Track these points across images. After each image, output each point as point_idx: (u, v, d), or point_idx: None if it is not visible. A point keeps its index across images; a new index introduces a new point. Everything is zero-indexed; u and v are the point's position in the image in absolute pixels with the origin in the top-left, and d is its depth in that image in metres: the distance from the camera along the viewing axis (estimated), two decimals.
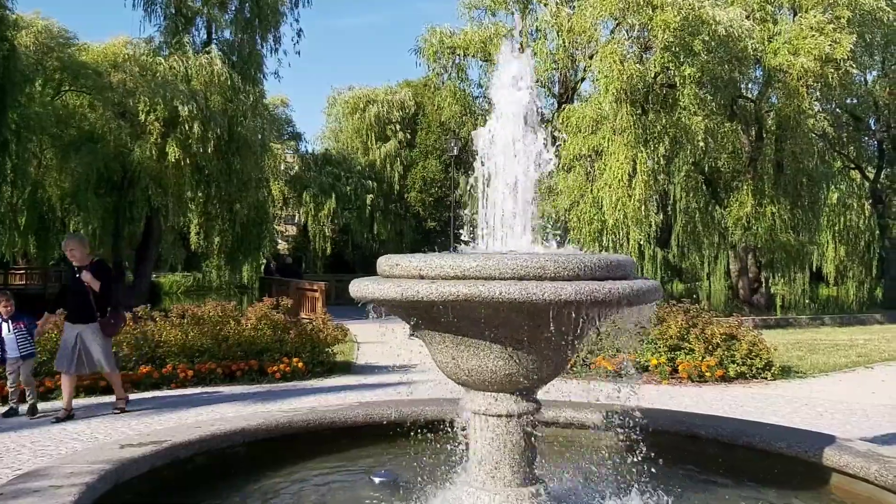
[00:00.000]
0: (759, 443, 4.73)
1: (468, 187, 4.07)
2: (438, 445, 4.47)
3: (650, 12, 18.08)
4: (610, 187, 18.28)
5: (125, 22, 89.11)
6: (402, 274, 3.46)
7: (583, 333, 3.63)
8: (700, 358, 9.55)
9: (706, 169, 21.72)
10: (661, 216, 19.95)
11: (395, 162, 36.61)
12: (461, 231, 4.32)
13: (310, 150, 40.15)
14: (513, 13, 21.80)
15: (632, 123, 18.12)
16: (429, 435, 4.58)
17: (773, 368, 9.85)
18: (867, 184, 26.88)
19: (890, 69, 25.27)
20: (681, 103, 18.50)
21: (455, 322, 3.44)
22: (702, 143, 18.71)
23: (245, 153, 23.31)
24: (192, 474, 4.51)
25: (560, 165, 19.10)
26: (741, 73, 19.87)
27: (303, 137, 41.77)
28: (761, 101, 21.31)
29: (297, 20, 26.25)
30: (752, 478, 4.51)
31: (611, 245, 18.70)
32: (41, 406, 7.47)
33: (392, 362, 10.57)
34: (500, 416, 3.66)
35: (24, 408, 7.33)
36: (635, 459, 4.31)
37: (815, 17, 19.27)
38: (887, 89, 24.98)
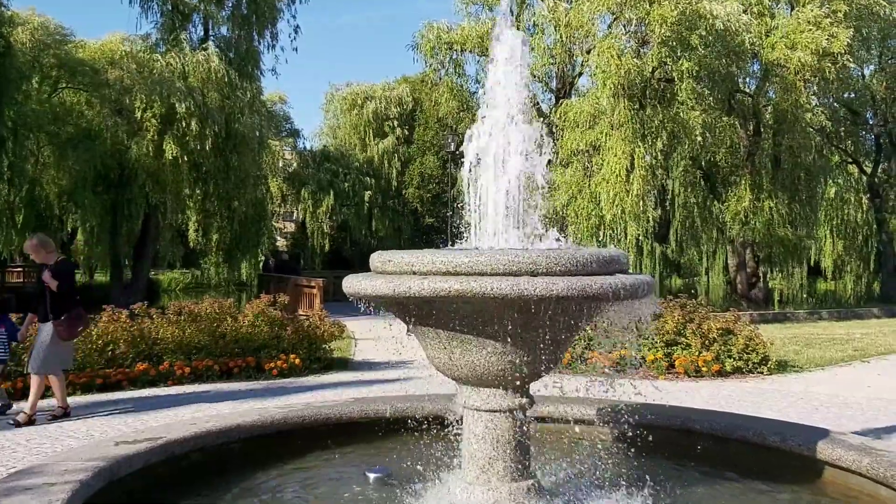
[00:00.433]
0: (754, 437, 4.74)
1: (465, 179, 4.03)
2: (433, 441, 4.49)
3: (647, 7, 18.03)
4: (608, 182, 18.25)
5: (122, 19, 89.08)
6: (394, 270, 3.46)
7: (576, 328, 3.63)
8: (697, 353, 9.57)
9: (704, 164, 21.70)
10: (660, 211, 19.91)
11: (393, 158, 36.56)
12: (459, 226, 4.30)
13: (308, 147, 40.04)
14: (512, 12, 21.73)
15: (629, 118, 18.09)
16: (423, 430, 4.60)
17: (770, 363, 9.86)
18: (865, 178, 26.83)
19: (887, 63, 25.22)
20: (678, 98, 18.44)
21: (447, 318, 3.44)
22: (699, 138, 18.67)
23: (243, 150, 23.22)
24: (187, 471, 4.52)
25: (558, 161, 19.08)
26: (739, 67, 19.81)
27: (301, 134, 41.56)
28: (759, 96, 21.26)
29: (294, 16, 26.24)
30: (747, 471, 4.52)
31: (609, 240, 18.68)
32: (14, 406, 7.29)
33: (389, 358, 10.59)
34: (493, 411, 3.67)
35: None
36: (629, 454, 4.32)
37: (812, 11, 19.22)
38: (884, 83, 24.93)
